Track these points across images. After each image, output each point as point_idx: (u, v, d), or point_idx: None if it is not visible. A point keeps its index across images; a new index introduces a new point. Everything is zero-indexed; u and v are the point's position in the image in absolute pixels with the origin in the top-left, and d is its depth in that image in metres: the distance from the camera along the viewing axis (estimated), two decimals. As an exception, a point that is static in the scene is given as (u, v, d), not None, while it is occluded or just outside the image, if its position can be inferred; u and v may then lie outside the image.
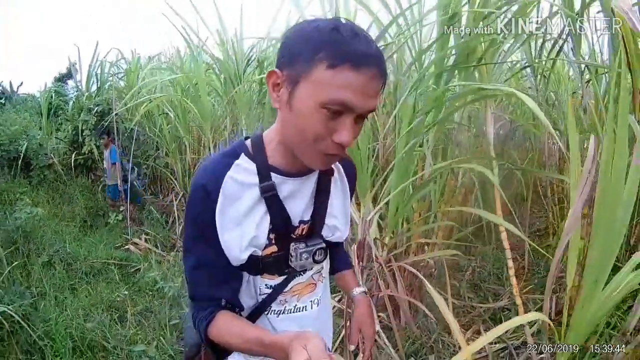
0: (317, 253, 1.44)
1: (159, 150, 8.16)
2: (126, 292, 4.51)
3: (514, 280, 2.82)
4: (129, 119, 7.69)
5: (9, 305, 3.56)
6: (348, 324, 2.79)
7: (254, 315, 1.49)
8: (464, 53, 3.10)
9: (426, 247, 3.89)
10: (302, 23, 1.24)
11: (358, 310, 1.71)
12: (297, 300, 1.52)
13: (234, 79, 5.85)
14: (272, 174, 1.35)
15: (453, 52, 3.23)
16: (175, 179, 7.50)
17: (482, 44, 3.13)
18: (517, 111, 5.68)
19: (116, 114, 7.25)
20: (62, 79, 13.94)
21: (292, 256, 1.41)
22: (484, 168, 2.96)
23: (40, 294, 4.24)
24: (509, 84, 4.51)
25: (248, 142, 1.40)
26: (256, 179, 1.35)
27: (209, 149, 6.36)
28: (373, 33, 3.44)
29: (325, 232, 1.48)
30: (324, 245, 1.46)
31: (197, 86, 6.29)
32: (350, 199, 1.61)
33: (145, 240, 6.30)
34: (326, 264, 1.58)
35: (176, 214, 6.86)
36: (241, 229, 1.35)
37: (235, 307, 1.45)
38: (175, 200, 7.15)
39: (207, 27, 6.59)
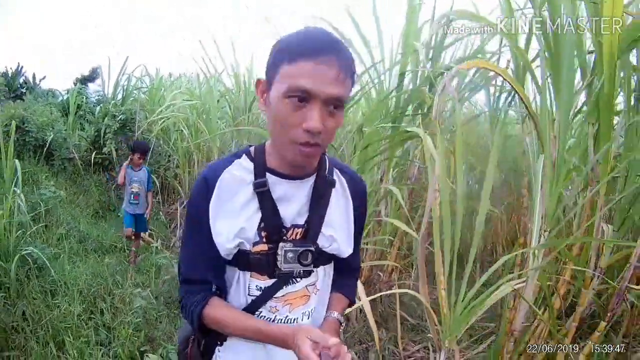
0: (304, 255, 1.44)
1: (170, 162, 8.70)
2: (127, 264, 5.40)
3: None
4: (148, 131, 8.23)
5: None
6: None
7: None
8: (415, 102, 3.81)
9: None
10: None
11: (322, 328, 1.54)
12: (288, 311, 1.52)
13: (243, 108, 6.60)
14: (268, 174, 1.43)
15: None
16: (182, 188, 7.94)
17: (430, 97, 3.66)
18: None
19: (136, 124, 8.11)
20: (84, 81, 14.58)
21: (279, 255, 1.43)
22: (395, 189, 3.56)
23: (56, 255, 5.07)
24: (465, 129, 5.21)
25: (252, 148, 1.51)
26: (252, 177, 1.43)
27: None
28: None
29: (321, 242, 1.49)
30: (312, 248, 1.45)
31: (210, 110, 7.01)
32: (362, 220, 1.65)
33: (149, 235, 6.93)
34: (323, 277, 1.58)
35: (179, 220, 7.46)
36: (233, 220, 1.42)
37: (222, 294, 1.52)
38: (180, 207, 7.70)
39: (222, 61, 7.42)
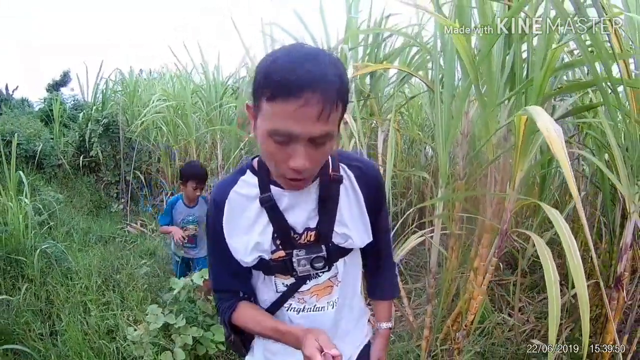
0: (315, 260, 1.49)
1: (151, 157, 9.18)
2: (125, 254, 6.15)
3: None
4: (130, 131, 8.66)
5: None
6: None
7: (274, 308, 1.60)
8: (358, 90, 4.20)
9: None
10: (268, 53, 1.25)
11: (376, 343, 1.83)
12: (316, 301, 1.58)
13: (215, 102, 6.99)
14: (272, 187, 1.44)
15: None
16: (165, 180, 8.51)
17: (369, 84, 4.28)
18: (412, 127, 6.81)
19: (119, 126, 8.63)
20: (56, 86, 14.87)
21: (294, 262, 1.49)
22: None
23: (67, 248, 5.77)
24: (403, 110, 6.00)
25: (255, 160, 1.52)
26: (258, 191, 1.46)
27: (194, 157, 7.46)
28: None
29: (336, 240, 1.52)
30: (322, 254, 1.50)
31: (185, 107, 7.43)
32: (379, 206, 1.64)
33: (140, 225, 7.66)
34: (344, 268, 1.61)
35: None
36: (247, 236, 1.48)
37: (251, 297, 1.64)
38: (165, 198, 8.00)
39: (192, 61, 7.87)
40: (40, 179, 9.10)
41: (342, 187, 1.51)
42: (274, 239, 1.49)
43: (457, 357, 3.08)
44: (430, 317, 3.26)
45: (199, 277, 3.66)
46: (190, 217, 4.47)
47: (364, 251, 1.69)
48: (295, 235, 1.49)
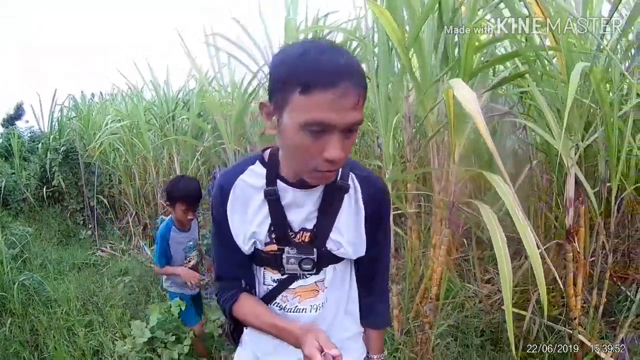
0: (304, 262, 1.50)
1: (112, 180, 9.08)
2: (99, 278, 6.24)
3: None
4: (88, 155, 8.55)
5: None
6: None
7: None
8: None
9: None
10: (281, 50, 1.31)
11: None
12: (298, 302, 1.59)
13: (167, 116, 7.06)
14: (278, 181, 1.45)
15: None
16: (128, 201, 8.36)
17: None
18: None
19: (77, 153, 8.58)
20: (11, 120, 14.45)
21: (283, 259, 1.50)
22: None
23: (43, 278, 5.79)
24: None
25: (266, 152, 1.53)
26: (264, 182, 1.47)
27: (153, 174, 7.57)
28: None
29: (329, 245, 1.52)
30: (313, 256, 1.50)
31: (139, 124, 7.43)
32: (379, 223, 1.60)
33: (110, 248, 7.69)
34: (332, 275, 1.60)
35: (132, 230, 7.98)
36: (246, 225, 1.51)
37: (252, 289, 1.64)
38: (130, 218, 8.21)
39: (142, 78, 7.82)
40: (8, 215, 9.05)
41: (346, 196, 1.51)
42: (269, 232, 1.50)
43: (429, 331, 3.20)
44: (397, 296, 3.41)
45: (176, 306, 3.57)
46: (191, 243, 3.78)
47: (357, 264, 1.67)
48: (291, 233, 1.51)
